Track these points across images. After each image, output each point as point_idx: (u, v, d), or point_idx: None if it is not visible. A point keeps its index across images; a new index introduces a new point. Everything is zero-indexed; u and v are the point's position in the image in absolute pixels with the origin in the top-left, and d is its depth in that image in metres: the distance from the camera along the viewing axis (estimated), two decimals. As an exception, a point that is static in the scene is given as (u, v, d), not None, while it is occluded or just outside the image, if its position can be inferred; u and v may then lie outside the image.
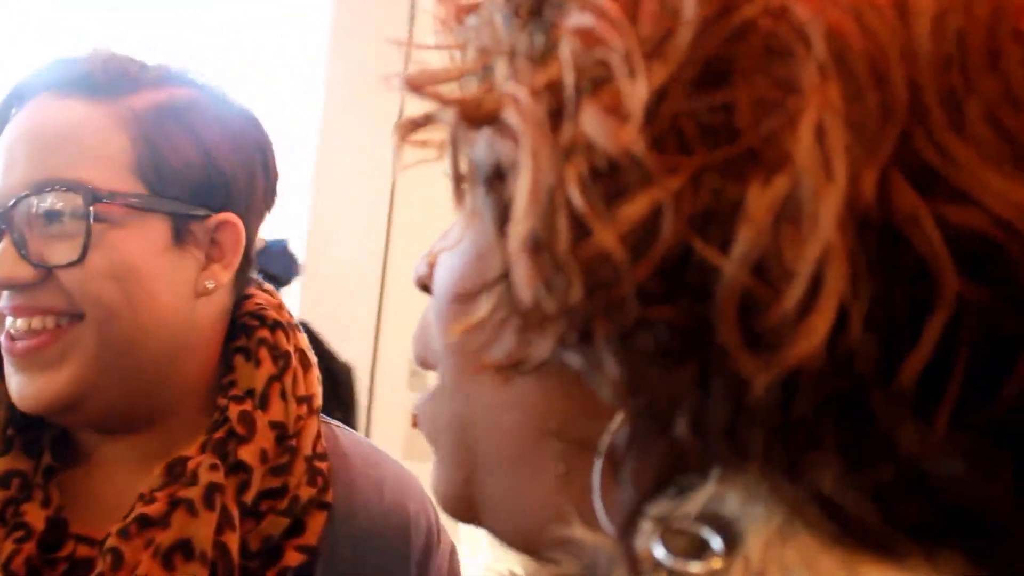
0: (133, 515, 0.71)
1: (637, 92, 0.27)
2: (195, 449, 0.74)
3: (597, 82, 0.28)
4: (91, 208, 0.70)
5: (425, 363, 0.40)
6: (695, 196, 0.27)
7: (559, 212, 0.28)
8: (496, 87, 0.31)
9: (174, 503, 0.71)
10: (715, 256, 0.26)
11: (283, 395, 0.77)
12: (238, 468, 0.73)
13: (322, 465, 0.77)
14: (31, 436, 0.76)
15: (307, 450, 0.76)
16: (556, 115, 0.28)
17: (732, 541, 0.28)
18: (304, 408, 0.77)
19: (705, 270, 0.26)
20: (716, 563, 0.28)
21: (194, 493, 0.71)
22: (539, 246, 0.28)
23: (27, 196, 0.70)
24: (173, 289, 0.74)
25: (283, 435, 0.75)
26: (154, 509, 0.70)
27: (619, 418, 0.30)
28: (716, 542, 0.28)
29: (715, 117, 0.27)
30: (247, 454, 0.73)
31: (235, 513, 0.71)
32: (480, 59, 0.32)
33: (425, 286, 0.40)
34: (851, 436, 0.27)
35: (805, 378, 0.26)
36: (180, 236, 0.74)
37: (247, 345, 0.78)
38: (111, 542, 0.70)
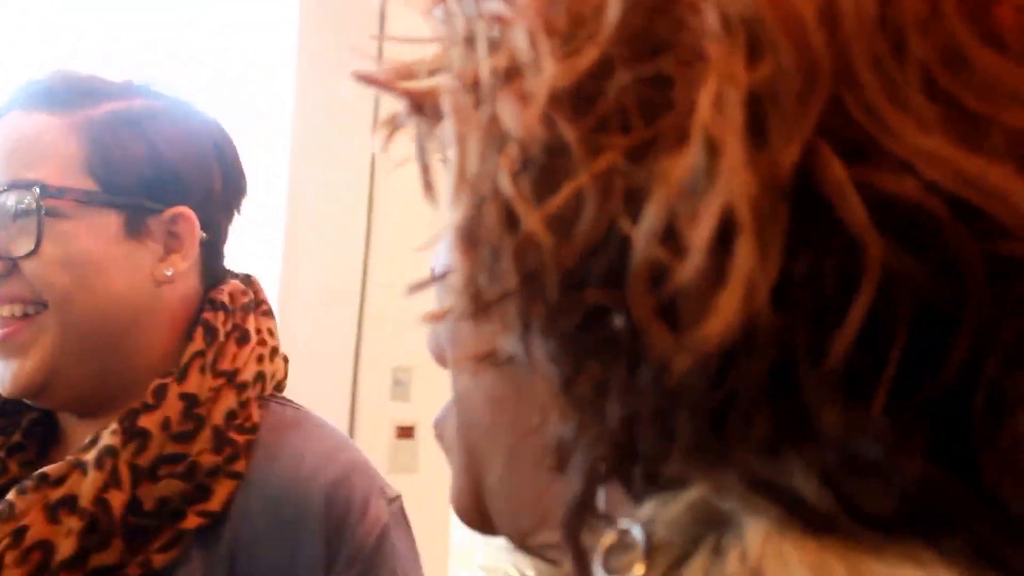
0: (35, 473, 0.79)
1: (543, 75, 0.27)
2: (115, 420, 0.82)
3: (511, 69, 0.28)
4: (41, 203, 0.79)
5: (443, 361, 0.40)
6: (621, 177, 0.26)
7: (489, 201, 0.28)
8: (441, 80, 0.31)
9: (73, 465, 0.79)
10: (629, 229, 0.26)
11: (202, 369, 0.83)
12: (137, 434, 0.79)
13: (238, 437, 0.83)
14: (9, 418, 0.87)
15: (217, 420, 0.82)
16: (481, 104, 0.28)
17: (661, 546, 0.28)
18: (221, 381, 0.84)
19: (625, 249, 0.26)
20: (639, 569, 0.28)
21: (90, 456, 0.79)
22: (474, 235, 0.28)
23: None
24: (129, 277, 0.82)
25: (192, 405, 0.82)
26: (55, 469, 0.79)
27: (559, 410, 0.30)
28: (639, 543, 0.28)
29: (648, 94, 0.26)
30: (148, 421, 0.80)
31: (125, 474, 0.78)
32: (444, 51, 0.32)
33: None
34: (783, 420, 0.26)
35: (726, 359, 0.25)
36: (134, 228, 0.83)
37: (192, 329, 0.86)
38: (9, 496, 0.78)
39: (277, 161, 2.70)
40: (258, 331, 0.89)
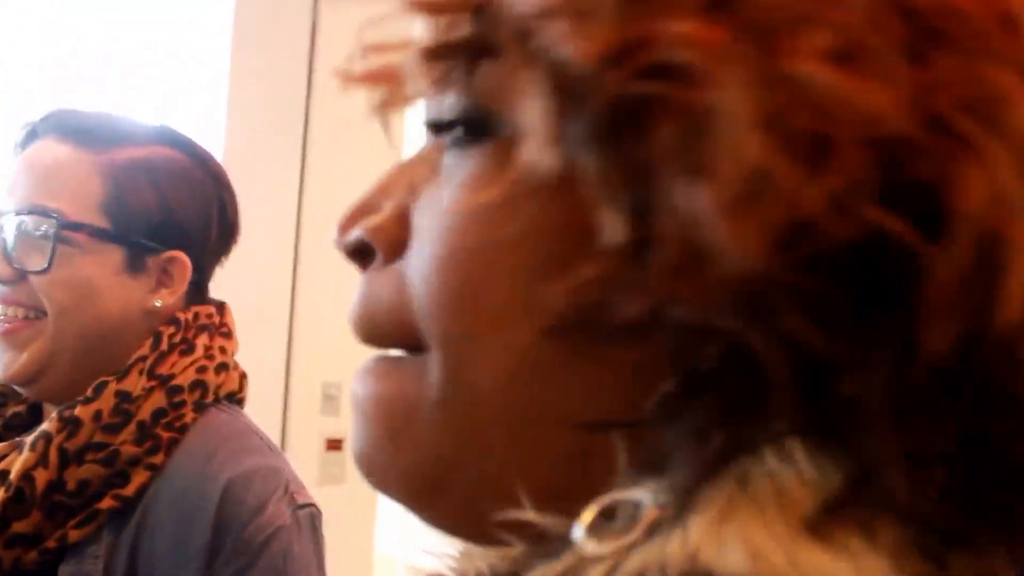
0: None
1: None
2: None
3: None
4: (59, 232, 0.93)
5: (393, 339, 0.35)
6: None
7: (764, 174, 0.24)
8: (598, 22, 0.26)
9: (14, 446, 0.93)
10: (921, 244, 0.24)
11: (140, 371, 0.95)
12: (70, 422, 0.92)
13: (164, 433, 0.94)
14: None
15: (144, 416, 0.93)
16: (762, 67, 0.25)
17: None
18: (154, 383, 0.95)
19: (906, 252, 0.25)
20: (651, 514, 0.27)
21: (29, 438, 0.92)
22: (738, 210, 0.24)
23: (16, 215, 0.94)
24: (121, 303, 0.96)
25: (123, 400, 0.93)
26: (2, 446, 0.93)
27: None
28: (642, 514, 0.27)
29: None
30: (82, 412, 0.92)
31: (53, 456, 0.90)
32: None
33: (392, 246, 0.35)
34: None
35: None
36: (133, 264, 0.96)
37: None
38: None
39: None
40: (207, 347, 1.00)
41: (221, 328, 1.03)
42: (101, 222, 0.95)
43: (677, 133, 0.25)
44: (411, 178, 0.35)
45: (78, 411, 0.92)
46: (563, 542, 0.28)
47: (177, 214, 0.99)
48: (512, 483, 0.31)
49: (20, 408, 1.02)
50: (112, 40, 2.77)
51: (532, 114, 0.28)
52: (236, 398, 1.03)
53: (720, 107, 0.24)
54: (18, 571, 0.90)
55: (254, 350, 2.58)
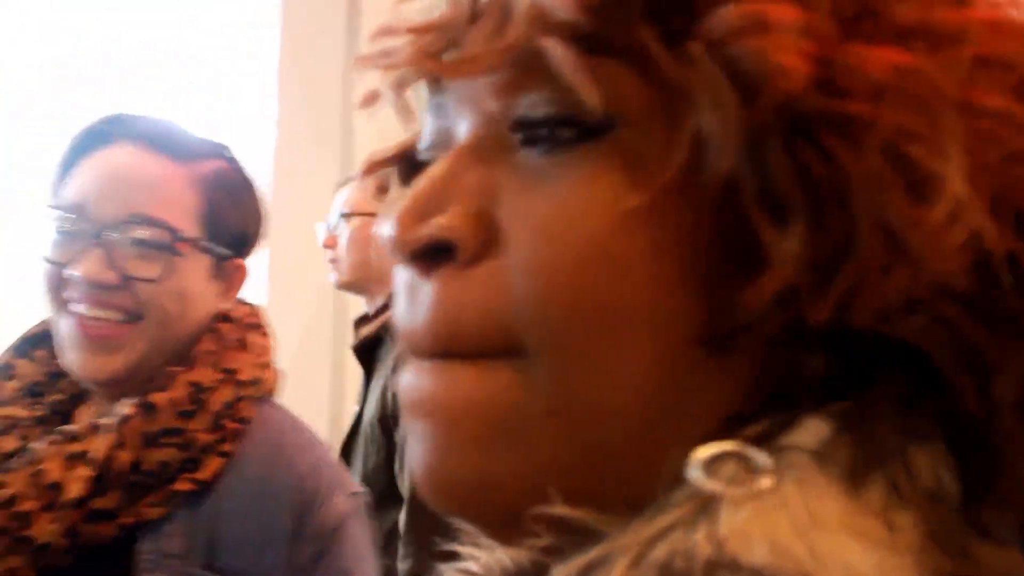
0: (58, 430, 0.97)
1: None
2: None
3: None
4: (173, 245, 0.98)
5: (482, 345, 0.33)
6: None
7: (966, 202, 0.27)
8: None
9: (91, 428, 0.97)
10: None
11: (209, 364, 1.02)
12: (148, 407, 0.97)
13: (232, 424, 1.00)
14: (36, 398, 1.05)
15: (216, 407, 1.00)
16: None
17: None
18: (222, 375, 1.02)
19: None
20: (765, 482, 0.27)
21: (107, 420, 0.97)
22: (943, 228, 0.27)
23: (123, 223, 0.97)
24: (204, 308, 1.03)
25: (197, 390, 1.00)
26: (75, 429, 0.97)
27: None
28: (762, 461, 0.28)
29: None
30: (158, 398, 0.98)
31: (134, 438, 0.95)
32: None
33: (479, 247, 0.33)
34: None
35: None
36: (216, 271, 1.03)
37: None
38: (33, 446, 0.96)
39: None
40: (261, 345, 1.08)
41: (260, 327, 1.10)
42: (198, 231, 1.01)
43: (886, 155, 0.27)
44: (475, 178, 0.34)
45: (154, 398, 0.97)
46: (599, 535, 0.29)
47: (243, 224, 1.07)
48: (612, 489, 0.31)
49: (62, 396, 1.05)
50: (114, 40, 2.79)
51: (717, 123, 0.28)
52: (272, 393, 1.10)
53: (934, 138, 0.27)
54: (93, 545, 0.95)
55: (306, 344, 2.62)
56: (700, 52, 0.29)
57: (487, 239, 0.33)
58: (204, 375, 1.01)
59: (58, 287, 0.98)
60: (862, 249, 0.27)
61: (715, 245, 0.30)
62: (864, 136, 0.27)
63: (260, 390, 1.05)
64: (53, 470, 0.94)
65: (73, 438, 0.96)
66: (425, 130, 0.37)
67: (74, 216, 0.98)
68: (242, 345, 1.06)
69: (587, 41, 0.30)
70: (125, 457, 0.95)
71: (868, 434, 0.28)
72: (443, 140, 0.36)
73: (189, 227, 1.00)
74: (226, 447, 1.00)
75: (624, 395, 0.31)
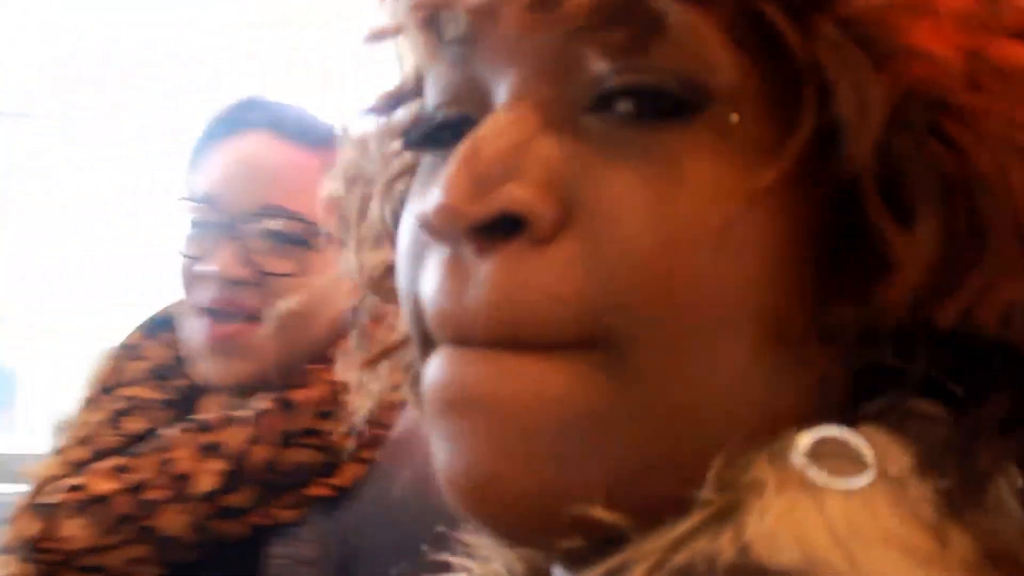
0: (191, 418, 0.93)
1: None
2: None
3: None
4: (310, 240, 0.92)
5: (558, 332, 0.29)
6: None
7: None
8: None
9: (226, 420, 0.91)
10: None
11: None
12: (287, 405, 0.92)
13: (375, 430, 0.94)
14: (164, 380, 1.00)
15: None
16: None
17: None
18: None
19: None
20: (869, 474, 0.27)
21: (243, 413, 0.92)
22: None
23: (257, 215, 0.92)
24: (332, 303, 0.95)
25: (336, 391, 0.92)
26: (209, 419, 0.92)
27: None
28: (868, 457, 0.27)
29: None
30: (298, 396, 0.92)
31: (272, 435, 0.90)
32: None
33: (555, 223, 0.30)
34: None
35: None
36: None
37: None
38: (162, 431, 0.92)
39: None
40: None
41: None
42: (329, 225, 0.95)
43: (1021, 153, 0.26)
44: (547, 144, 0.30)
45: (294, 395, 0.93)
46: (625, 540, 0.28)
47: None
48: (661, 495, 0.29)
49: (188, 381, 1.01)
50: (112, 40, 2.78)
51: (855, 109, 0.26)
52: None
53: None
54: (220, 542, 0.91)
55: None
56: (831, 29, 0.26)
57: (563, 215, 0.29)
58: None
59: (191, 282, 0.93)
60: (994, 251, 0.26)
61: (826, 241, 0.28)
62: (1001, 134, 0.26)
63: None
64: (184, 459, 0.90)
65: (206, 428, 0.92)
66: (435, 83, 0.33)
67: (206, 206, 0.93)
68: None
69: (701, 3, 0.27)
70: (261, 454, 0.90)
71: (926, 445, 0.27)
72: (468, 97, 0.32)
73: (323, 218, 0.93)
74: (367, 454, 0.94)
75: (717, 396, 0.29)
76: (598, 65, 0.29)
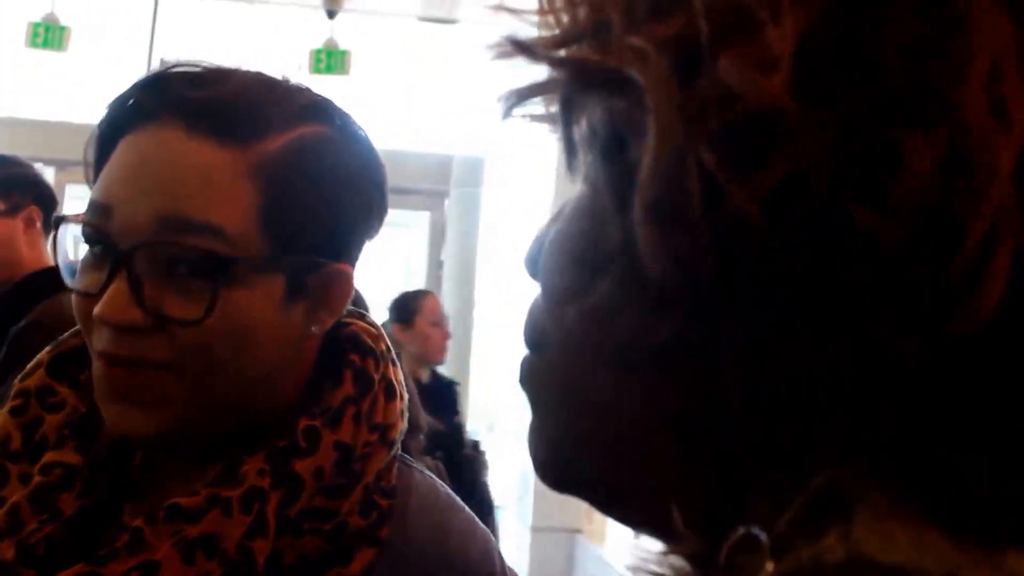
0: (167, 503, 0.69)
1: (785, 38, 0.25)
2: (260, 458, 0.72)
3: (734, 30, 0.26)
4: (218, 268, 0.67)
5: (538, 347, 0.35)
6: (843, 152, 0.24)
7: (689, 175, 0.25)
8: (613, 45, 0.28)
9: (213, 501, 0.69)
10: (870, 217, 0.24)
11: (356, 417, 0.74)
12: (290, 479, 0.71)
13: (384, 501, 0.75)
14: (88, 437, 0.76)
15: (370, 478, 0.74)
16: (683, 68, 0.26)
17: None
18: (376, 436, 0.75)
19: (854, 234, 0.24)
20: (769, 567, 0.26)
21: (234, 494, 0.69)
22: (667, 214, 0.26)
23: (153, 243, 0.67)
24: (279, 341, 0.72)
25: (346, 458, 0.73)
26: (191, 502, 0.69)
27: (735, 405, 0.28)
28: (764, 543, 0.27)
29: (859, 63, 0.24)
30: (302, 467, 0.71)
31: (272, 523, 0.69)
32: (593, 15, 0.29)
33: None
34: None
35: (964, 348, 0.24)
36: (294, 290, 0.72)
37: (335, 368, 0.77)
38: (136, 523, 0.69)
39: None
40: (398, 384, 0.79)
41: (389, 353, 0.81)
42: (260, 242, 0.69)
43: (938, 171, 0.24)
44: None
45: (297, 466, 0.71)
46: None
47: (339, 214, 0.74)
48: None
49: (108, 438, 0.77)
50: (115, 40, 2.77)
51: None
52: None
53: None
54: None
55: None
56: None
57: None
58: (350, 433, 0.73)
59: (87, 320, 0.69)
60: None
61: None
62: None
63: (399, 448, 0.79)
64: (170, 564, 0.67)
65: (184, 515, 0.69)
66: None
67: (97, 224, 0.69)
68: (388, 388, 0.77)
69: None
70: (263, 548, 0.69)
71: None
72: None
73: (245, 237, 0.69)
74: (380, 532, 0.74)
75: None
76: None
